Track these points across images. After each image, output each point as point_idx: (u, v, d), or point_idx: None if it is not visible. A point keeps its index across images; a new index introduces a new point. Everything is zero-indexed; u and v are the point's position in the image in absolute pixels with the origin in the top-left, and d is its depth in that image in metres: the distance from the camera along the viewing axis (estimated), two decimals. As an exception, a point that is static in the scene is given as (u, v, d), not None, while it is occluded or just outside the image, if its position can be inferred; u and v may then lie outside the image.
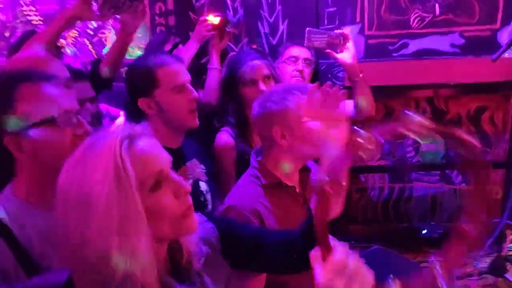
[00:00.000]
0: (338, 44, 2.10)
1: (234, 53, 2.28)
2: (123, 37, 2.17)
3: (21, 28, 3.38)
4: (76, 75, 2.07)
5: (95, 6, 1.85)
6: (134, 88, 1.81)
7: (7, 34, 3.40)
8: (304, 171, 1.68)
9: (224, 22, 2.69)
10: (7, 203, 1.18)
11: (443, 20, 2.99)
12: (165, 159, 0.98)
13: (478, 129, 3.13)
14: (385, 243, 2.25)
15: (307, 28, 2.10)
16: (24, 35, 2.37)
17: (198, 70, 2.95)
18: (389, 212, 3.27)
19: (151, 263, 0.90)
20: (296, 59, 2.46)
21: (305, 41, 2.13)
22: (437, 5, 2.97)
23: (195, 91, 1.78)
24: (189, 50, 2.62)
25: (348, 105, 2.27)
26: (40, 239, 1.14)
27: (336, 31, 2.13)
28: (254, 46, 2.90)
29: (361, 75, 2.14)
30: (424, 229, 2.98)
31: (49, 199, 1.14)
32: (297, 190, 1.66)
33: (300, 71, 2.42)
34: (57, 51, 2.43)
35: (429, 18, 2.99)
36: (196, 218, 1.01)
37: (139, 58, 2.19)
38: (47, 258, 1.12)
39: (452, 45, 3.01)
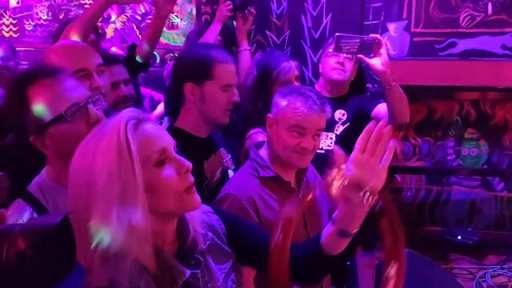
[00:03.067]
0: (371, 49, 2.04)
1: (258, 56, 2.32)
2: (156, 20, 2.24)
3: (74, 11, 3.52)
4: (110, 59, 2.15)
5: None
6: (185, 71, 1.83)
7: (61, 16, 3.56)
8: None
9: (244, 3, 2.71)
10: (42, 184, 1.30)
11: (495, 20, 2.86)
12: (169, 140, 1.04)
13: (525, 136, 3.01)
14: (417, 246, 2.21)
15: (336, 34, 2.06)
16: (65, 23, 2.45)
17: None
18: (424, 215, 3.19)
19: (147, 239, 0.96)
20: None
21: (333, 47, 2.09)
22: (490, 4, 2.84)
23: (238, 95, 1.86)
24: (212, 31, 2.68)
25: (382, 109, 2.24)
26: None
27: (370, 35, 2.08)
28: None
29: (393, 83, 2.07)
30: (458, 235, 2.90)
31: None
32: (292, 186, 1.72)
33: (341, 63, 2.37)
34: (97, 35, 2.53)
35: (480, 17, 2.87)
36: (199, 198, 1.05)
37: (196, 46, 2.26)
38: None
39: (504, 47, 2.88)
